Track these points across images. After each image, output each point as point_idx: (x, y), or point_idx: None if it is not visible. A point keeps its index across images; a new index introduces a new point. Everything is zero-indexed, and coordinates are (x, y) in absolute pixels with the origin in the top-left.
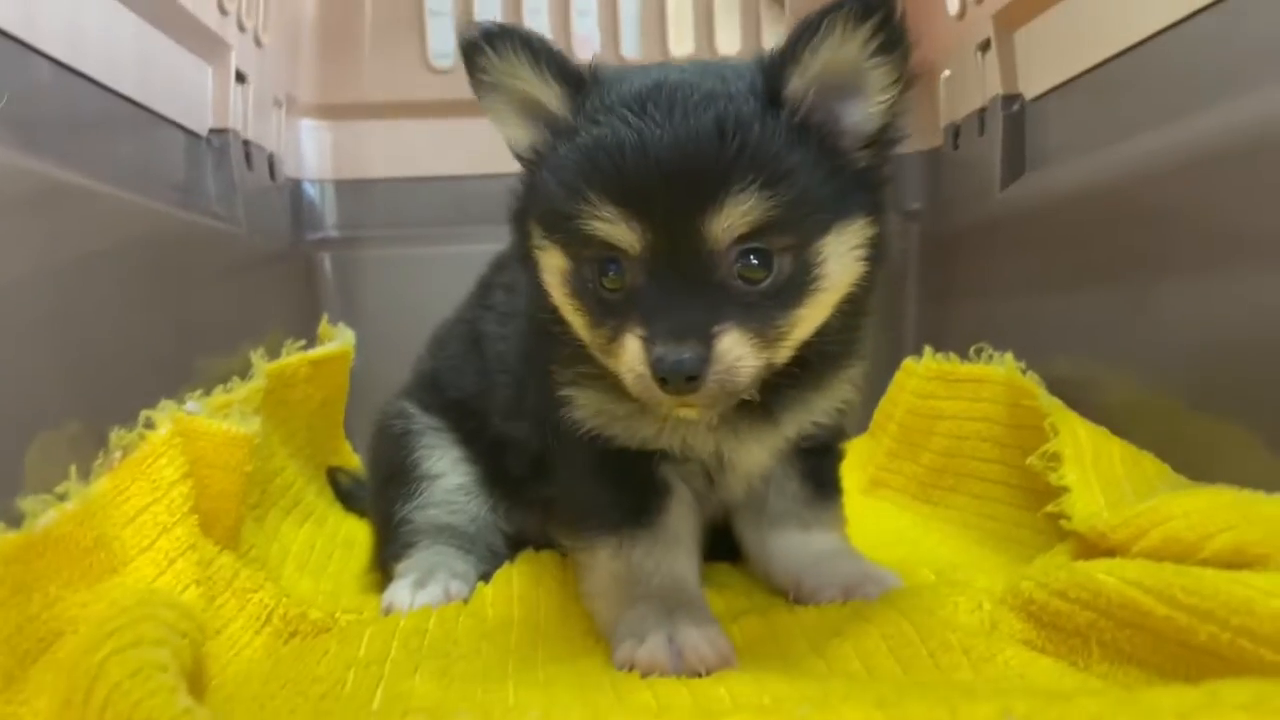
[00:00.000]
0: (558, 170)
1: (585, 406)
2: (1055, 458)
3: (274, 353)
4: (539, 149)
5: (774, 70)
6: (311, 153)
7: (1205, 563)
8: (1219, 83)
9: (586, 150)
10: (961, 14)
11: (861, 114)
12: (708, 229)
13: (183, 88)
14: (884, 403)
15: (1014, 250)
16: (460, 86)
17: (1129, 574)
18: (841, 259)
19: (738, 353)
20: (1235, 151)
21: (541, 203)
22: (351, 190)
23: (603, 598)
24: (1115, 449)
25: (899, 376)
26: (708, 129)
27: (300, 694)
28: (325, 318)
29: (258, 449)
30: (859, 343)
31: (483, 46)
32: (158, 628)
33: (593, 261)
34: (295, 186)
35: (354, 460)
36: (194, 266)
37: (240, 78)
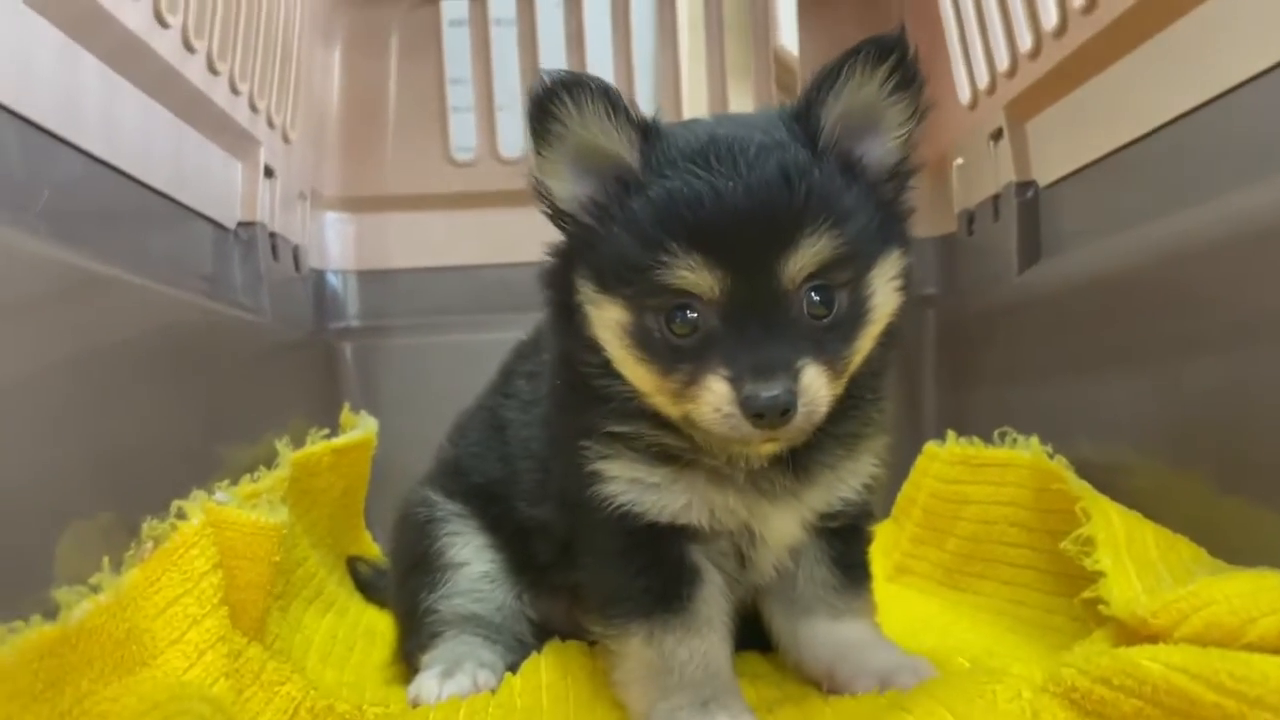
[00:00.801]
0: (630, 223)
1: (616, 479)
2: (1089, 542)
3: (298, 441)
4: (600, 201)
5: (807, 117)
6: (334, 244)
7: (1250, 647)
8: (1234, 168)
9: (663, 202)
10: (974, 104)
11: (883, 148)
12: (783, 271)
13: (213, 182)
14: (907, 487)
15: (1032, 335)
16: (481, 179)
17: (1175, 660)
18: (885, 290)
19: (818, 385)
20: (1252, 233)
21: (603, 256)
22: (373, 280)
23: (635, 686)
24: (1149, 533)
25: (921, 461)
26: (775, 178)
27: None
28: (347, 406)
29: (284, 539)
30: (884, 392)
31: (559, 94)
32: None
33: (659, 310)
34: (319, 277)
35: (374, 549)
36: (220, 356)
37: (268, 172)
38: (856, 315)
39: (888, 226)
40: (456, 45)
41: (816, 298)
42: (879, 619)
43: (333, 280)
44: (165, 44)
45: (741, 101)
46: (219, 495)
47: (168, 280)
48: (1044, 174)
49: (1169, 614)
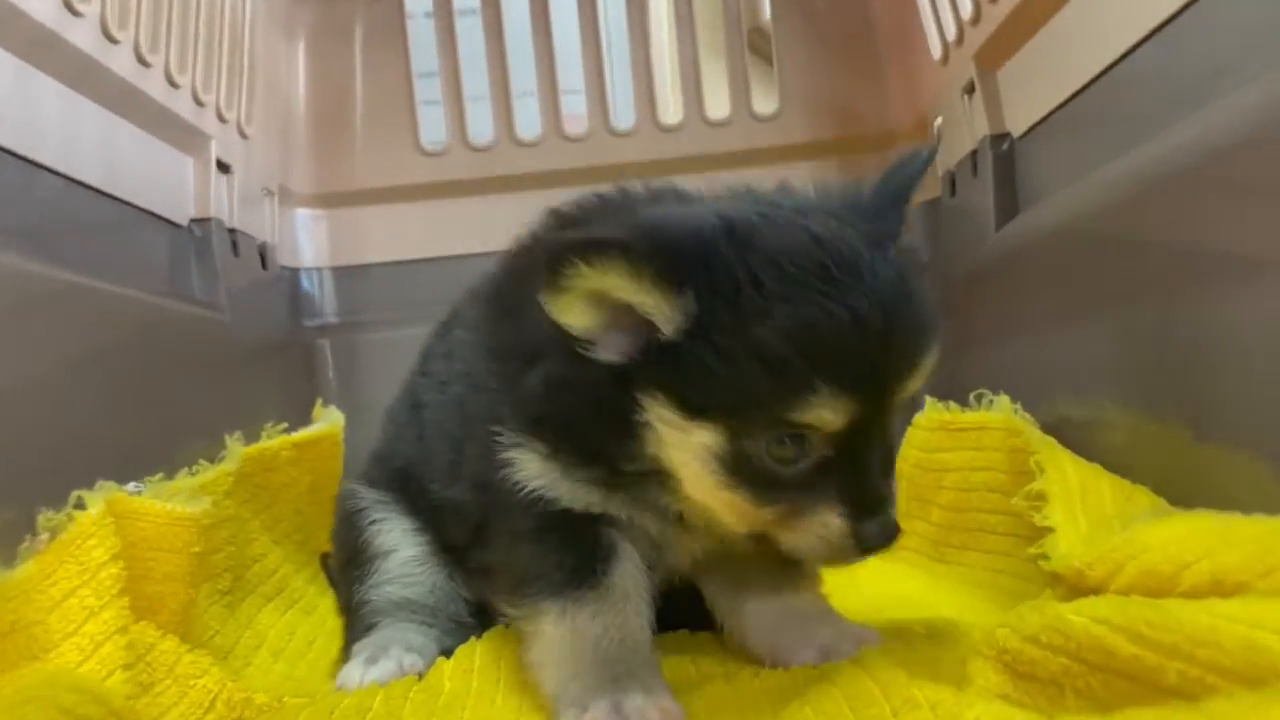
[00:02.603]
0: (746, 351)
1: (529, 466)
2: (1041, 497)
3: (256, 438)
4: (679, 324)
5: (884, 217)
6: (307, 241)
7: (1185, 594)
8: (1191, 92)
9: (799, 330)
10: (945, 59)
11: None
12: (904, 392)
13: (158, 178)
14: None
15: (1011, 293)
16: (453, 167)
17: (1099, 612)
18: None
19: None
20: (1216, 157)
21: (695, 380)
22: (349, 276)
23: (549, 666)
24: (1106, 485)
25: (908, 432)
26: (903, 294)
27: None
28: (320, 401)
29: (233, 535)
30: None
31: (573, 260)
32: (44, 710)
33: (762, 437)
34: (292, 275)
35: None
36: (171, 354)
37: (224, 168)
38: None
39: None
40: (423, 37)
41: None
42: (859, 597)
43: (307, 278)
44: (81, 35)
45: (716, 81)
46: (131, 486)
47: (105, 277)
48: (1017, 124)
49: (1105, 565)
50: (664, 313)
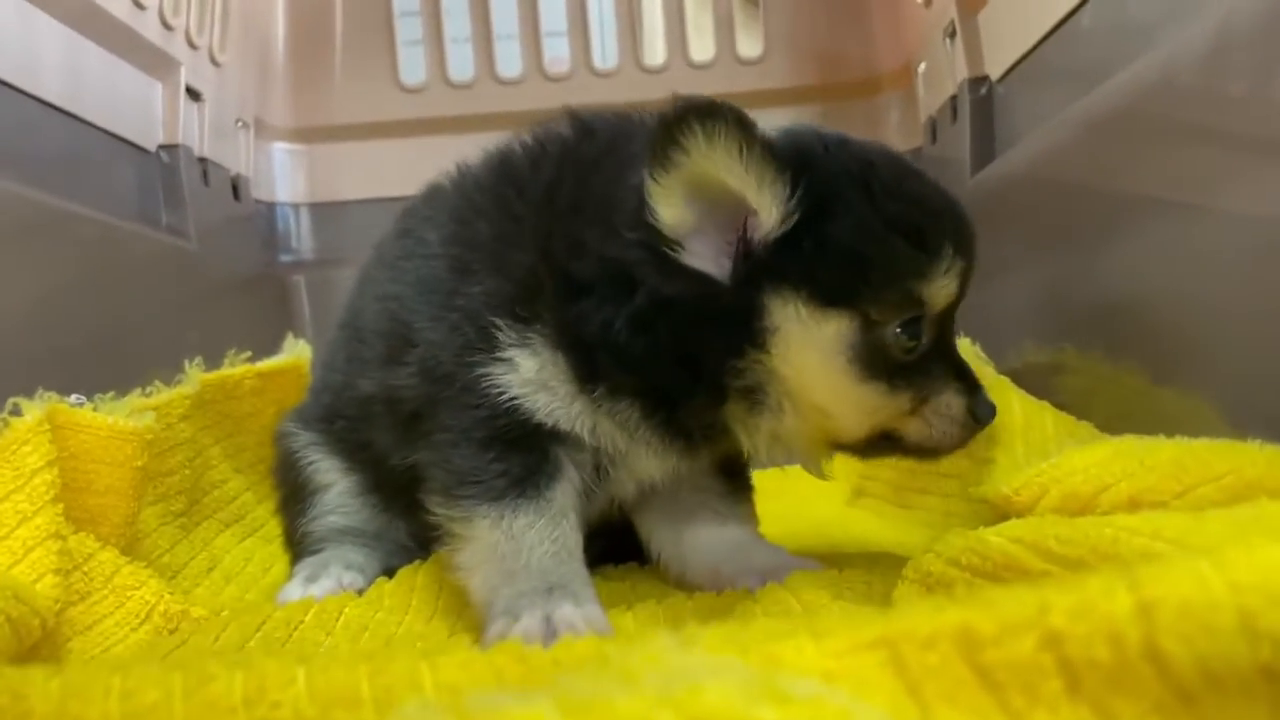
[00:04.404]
0: (880, 226)
1: (522, 371)
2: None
3: (218, 366)
4: (788, 213)
5: None
6: (284, 176)
7: (1104, 515)
8: (1148, 35)
9: (921, 205)
10: (928, 1)
11: None
12: (970, 283)
13: (124, 101)
14: None
15: (982, 240)
16: (432, 105)
17: (1015, 532)
18: None
19: None
20: (1151, 98)
21: (828, 263)
22: (326, 213)
23: (479, 572)
24: (1050, 420)
25: None
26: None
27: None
28: (290, 335)
29: (189, 459)
30: None
31: (692, 127)
32: None
33: (888, 324)
34: (268, 210)
35: None
36: (132, 279)
37: (194, 95)
38: None
39: None
40: None
41: None
42: (823, 544)
43: (283, 213)
44: None
45: (701, 23)
46: (73, 398)
47: (65, 197)
48: (996, 68)
49: (1030, 490)
50: (769, 196)
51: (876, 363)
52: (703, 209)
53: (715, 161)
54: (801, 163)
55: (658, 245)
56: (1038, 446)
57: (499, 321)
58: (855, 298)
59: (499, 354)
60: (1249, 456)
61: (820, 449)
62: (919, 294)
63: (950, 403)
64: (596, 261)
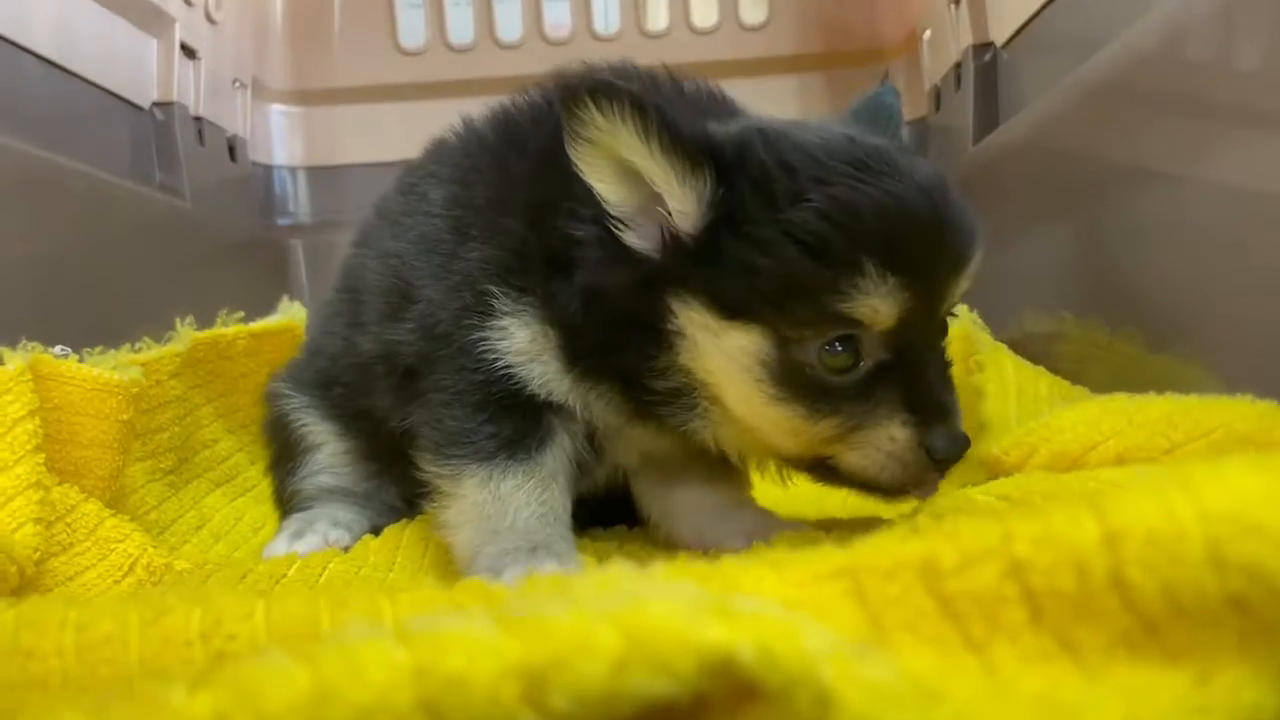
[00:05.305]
0: (787, 236)
1: (515, 340)
2: (979, 393)
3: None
4: (699, 216)
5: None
6: (282, 139)
7: None
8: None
9: (841, 212)
10: None
11: None
12: (956, 290)
13: (122, 59)
14: None
15: (983, 209)
16: (432, 68)
17: (1002, 489)
18: None
19: None
20: (1144, 66)
21: (732, 274)
22: (324, 176)
23: (465, 529)
24: (1044, 384)
25: None
26: (944, 185)
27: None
28: (285, 298)
29: (179, 416)
30: None
31: (585, 100)
32: None
33: (811, 341)
34: (266, 173)
35: None
36: (124, 235)
37: (190, 53)
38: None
39: None
40: None
41: (945, 321)
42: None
43: (281, 176)
44: None
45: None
46: (58, 349)
47: (57, 150)
48: (1000, 33)
49: (1019, 449)
50: (677, 191)
51: (795, 382)
52: (637, 190)
53: (622, 142)
54: (723, 160)
55: (605, 221)
56: (1030, 409)
57: (494, 289)
58: (760, 311)
59: (495, 321)
60: (1239, 411)
61: (764, 459)
62: (843, 312)
63: (894, 435)
64: (565, 235)
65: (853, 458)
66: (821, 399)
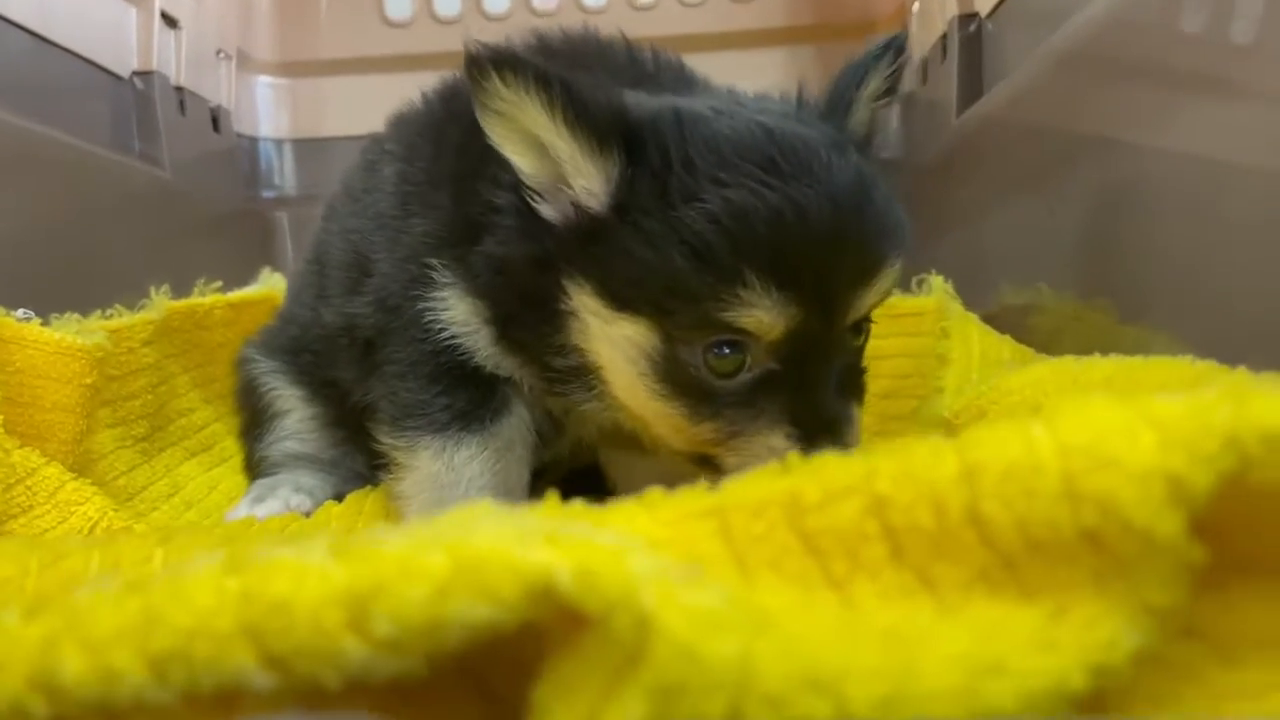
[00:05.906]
0: (675, 237)
1: (456, 311)
2: (943, 359)
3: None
4: (613, 192)
5: (842, 117)
6: (267, 111)
7: None
8: None
9: (732, 217)
10: None
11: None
12: (859, 305)
13: (101, 27)
14: None
15: (962, 181)
16: (418, 40)
17: None
18: None
19: (859, 430)
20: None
21: (621, 267)
22: (310, 149)
23: (417, 500)
24: (1007, 350)
25: None
26: (860, 190)
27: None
28: (267, 269)
29: (152, 384)
30: None
31: (488, 70)
32: None
33: (696, 343)
34: (250, 145)
35: None
36: (102, 204)
37: (171, 22)
38: (866, 336)
39: None
40: None
41: (861, 328)
42: None
43: (266, 148)
44: None
45: None
46: (20, 313)
47: (34, 118)
48: (985, 3)
49: (970, 412)
50: (582, 167)
51: (678, 380)
52: (546, 163)
53: (528, 115)
54: (636, 140)
55: (521, 190)
56: (992, 375)
57: (434, 261)
58: (644, 306)
59: (437, 293)
60: (1177, 371)
61: (662, 449)
62: (724, 320)
63: (774, 445)
64: (486, 203)
65: (732, 461)
66: (704, 401)
